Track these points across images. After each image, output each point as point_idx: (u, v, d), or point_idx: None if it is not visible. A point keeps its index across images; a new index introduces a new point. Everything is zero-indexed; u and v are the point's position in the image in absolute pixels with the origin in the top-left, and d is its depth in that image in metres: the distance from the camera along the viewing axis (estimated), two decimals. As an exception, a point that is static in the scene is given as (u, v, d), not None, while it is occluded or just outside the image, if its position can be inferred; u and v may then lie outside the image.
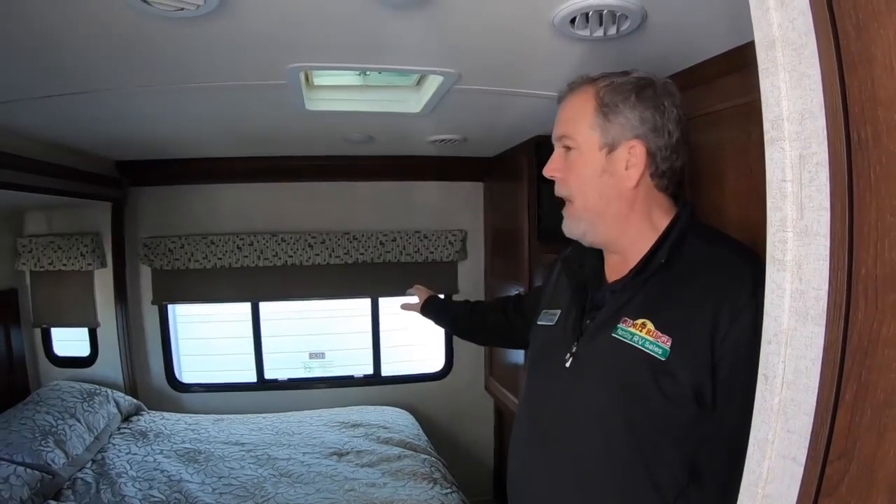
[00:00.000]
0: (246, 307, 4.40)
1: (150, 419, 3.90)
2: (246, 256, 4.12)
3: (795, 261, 0.69)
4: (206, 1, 1.35)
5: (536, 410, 1.41)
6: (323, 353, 4.77)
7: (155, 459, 3.32)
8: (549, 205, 3.22)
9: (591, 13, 1.45)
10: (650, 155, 1.29)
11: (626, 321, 1.24)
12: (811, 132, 0.66)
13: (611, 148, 1.28)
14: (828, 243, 0.65)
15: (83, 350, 4.27)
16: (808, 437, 0.68)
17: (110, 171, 3.92)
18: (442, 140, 3.37)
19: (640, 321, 1.22)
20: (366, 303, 4.51)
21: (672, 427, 1.18)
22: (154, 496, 2.92)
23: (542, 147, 3.15)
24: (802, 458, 0.69)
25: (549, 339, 1.45)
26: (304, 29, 1.58)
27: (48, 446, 3.10)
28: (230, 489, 3.01)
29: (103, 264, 4.09)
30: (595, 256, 1.45)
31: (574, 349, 1.32)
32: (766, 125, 0.71)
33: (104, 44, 1.65)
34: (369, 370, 4.57)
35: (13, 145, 2.70)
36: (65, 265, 3.98)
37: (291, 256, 4.14)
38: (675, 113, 1.30)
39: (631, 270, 1.31)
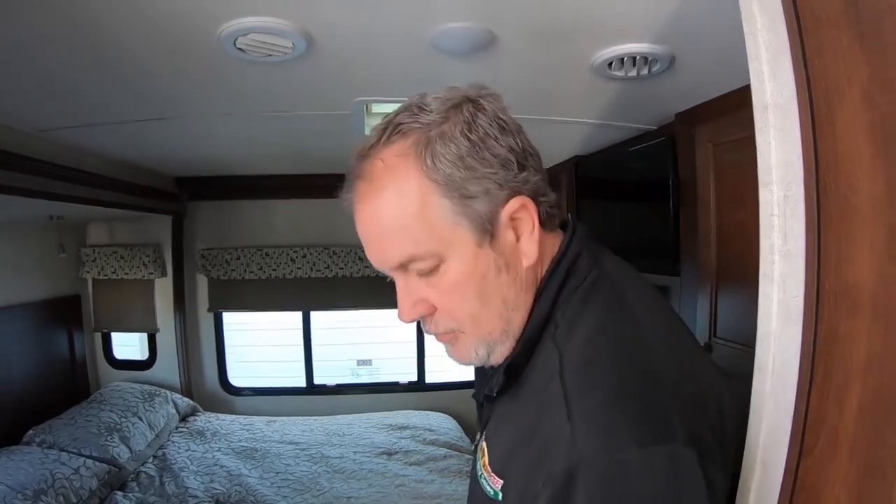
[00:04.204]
0: (297, 316, 4.60)
1: (206, 419, 4.12)
2: (299, 268, 4.33)
3: (781, 277, 0.89)
4: (295, 48, 1.56)
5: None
6: (370, 361, 4.98)
7: (214, 456, 3.52)
8: (589, 223, 3.36)
9: (624, 58, 1.64)
10: (535, 202, 0.85)
11: (483, 435, 0.93)
12: (792, 177, 0.86)
13: (490, 230, 0.82)
14: (804, 263, 0.85)
15: (137, 354, 4.54)
16: (792, 412, 0.88)
17: (170, 187, 4.16)
18: None
19: (483, 446, 0.90)
20: (412, 313, 4.68)
21: None
22: (216, 489, 3.12)
23: (580, 166, 3.33)
24: (788, 429, 0.89)
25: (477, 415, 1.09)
26: (373, 70, 1.78)
27: (114, 441, 3.33)
28: (287, 483, 3.21)
29: (163, 274, 4.34)
30: None
31: (482, 438, 0.96)
32: (760, 171, 0.91)
33: (194, 78, 1.86)
34: (414, 377, 4.74)
35: (86, 163, 2.92)
36: (127, 274, 4.24)
37: (342, 268, 4.35)
38: (514, 122, 0.87)
39: (494, 377, 0.91)
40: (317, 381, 4.66)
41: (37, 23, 1.36)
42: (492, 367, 0.92)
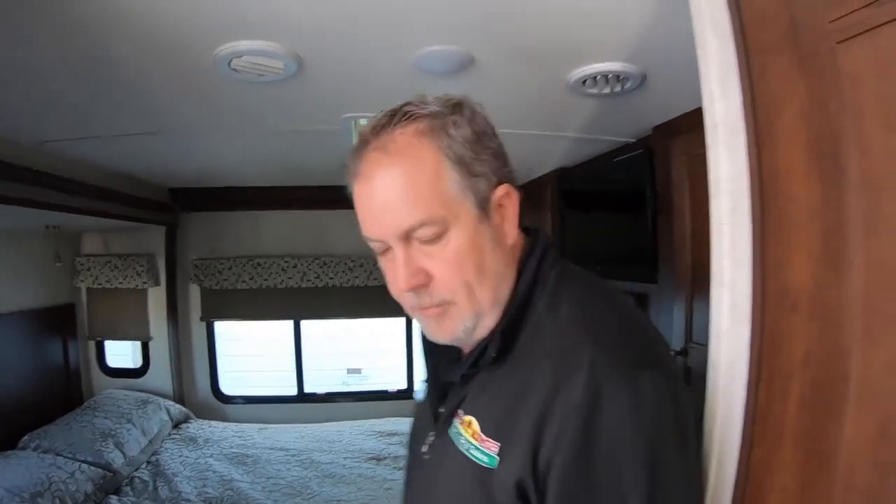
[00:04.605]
0: (288, 325, 4.68)
1: (199, 426, 4.19)
2: (290, 278, 4.41)
3: (731, 281, 0.97)
4: (286, 69, 1.65)
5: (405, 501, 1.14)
6: (360, 369, 5.06)
7: (206, 462, 3.59)
8: (572, 233, 3.49)
9: (597, 76, 1.73)
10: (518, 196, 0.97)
11: (458, 415, 0.97)
12: (739, 190, 0.94)
13: (485, 209, 0.92)
14: (750, 269, 0.93)
15: (129, 362, 4.62)
16: (742, 406, 0.96)
17: (164, 198, 4.24)
18: None
19: (467, 419, 0.94)
20: (401, 322, 4.74)
21: None
22: (209, 493, 3.19)
23: (564, 178, 3.43)
24: (739, 422, 0.97)
25: (418, 419, 1.17)
26: (360, 89, 1.87)
27: (108, 447, 3.39)
28: (278, 488, 3.28)
29: (157, 283, 4.42)
30: None
31: (430, 439, 1.04)
32: (711, 184, 0.99)
33: (191, 95, 1.96)
34: (403, 385, 4.81)
35: (84, 174, 2.99)
36: (121, 283, 4.31)
37: (332, 278, 4.42)
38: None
39: (471, 355, 0.98)
40: (307, 389, 4.73)
41: (44, 43, 1.45)
42: (452, 354, 1.03)
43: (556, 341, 0.88)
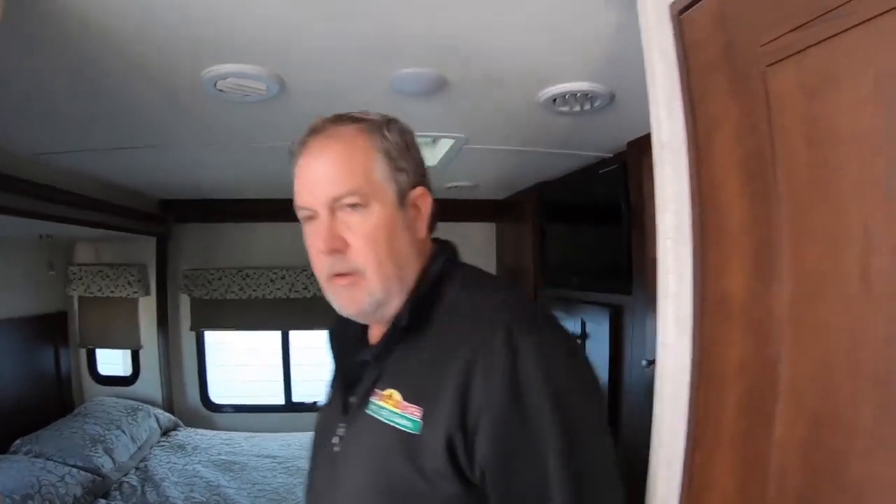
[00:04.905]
0: (276, 335, 4.75)
1: (187, 434, 4.24)
2: (278, 289, 4.48)
3: (675, 294, 1.03)
4: (269, 90, 1.75)
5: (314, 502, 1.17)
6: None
7: (194, 468, 3.65)
8: (553, 246, 3.57)
9: (566, 95, 1.81)
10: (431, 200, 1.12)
11: (376, 393, 1.03)
12: (682, 207, 1.01)
13: (402, 200, 1.07)
14: (691, 280, 1.00)
15: (120, 371, 4.68)
16: (686, 411, 1.02)
17: (155, 209, 4.32)
18: (456, 186, 3.71)
19: (387, 392, 1.02)
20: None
21: None
22: (195, 498, 3.25)
23: (545, 192, 3.52)
24: (684, 426, 1.03)
25: (323, 420, 1.23)
26: (340, 108, 1.92)
27: (97, 452, 3.44)
28: (264, 494, 3.33)
29: (147, 293, 4.47)
30: (358, 325, 1.20)
31: (341, 431, 1.10)
32: (657, 201, 1.06)
33: (180, 112, 2.05)
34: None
35: (74, 185, 3.04)
36: (112, 292, 4.37)
37: (319, 290, 4.41)
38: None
39: (383, 336, 1.08)
40: (295, 398, 4.78)
41: (39, 57, 1.52)
42: (359, 347, 1.14)
43: (474, 313, 1.01)
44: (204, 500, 3.25)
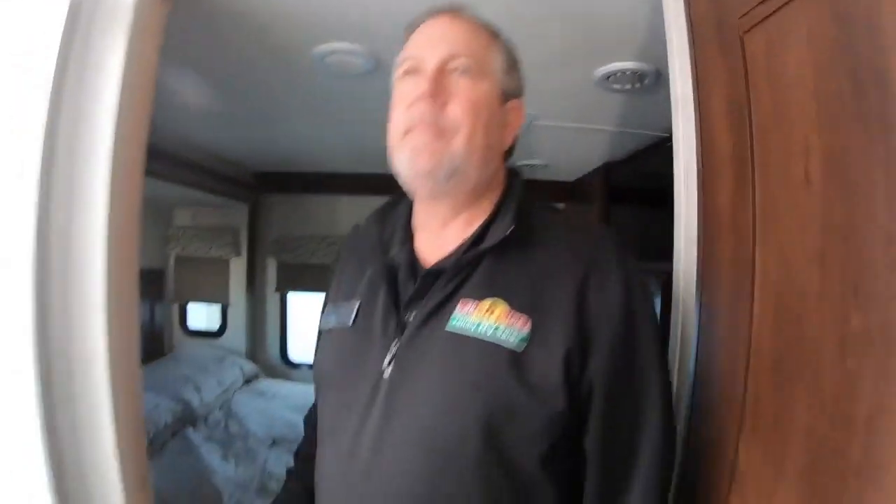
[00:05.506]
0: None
1: (268, 384, 4.58)
2: (359, 257, 4.76)
3: (686, 214, 1.31)
4: (366, 64, 2.03)
5: (347, 440, 1.01)
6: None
7: (274, 410, 3.98)
8: (618, 227, 3.66)
9: (618, 73, 2.01)
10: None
11: (465, 305, 0.96)
12: (689, 146, 1.30)
13: (505, 99, 1.06)
14: (696, 200, 1.28)
15: (203, 326, 5.13)
16: (696, 306, 1.25)
17: (249, 179, 4.68)
18: (529, 164, 3.88)
19: (487, 302, 0.95)
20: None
21: (540, 426, 0.93)
22: (275, 433, 3.60)
23: (611, 172, 3.67)
24: (695, 320, 1.26)
25: (350, 343, 1.09)
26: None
27: (187, 388, 3.82)
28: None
29: (238, 254, 4.87)
30: (402, 231, 1.15)
31: (394, 351, 0.99)
32: (675, 145, 1.34)
33: (288, 87, 2.38)
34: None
35: (189, 155, 3.48)
36: (206, 253, 4.80)
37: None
38: None
39: (466, 241, 1.03)
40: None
41: (178, 28, 1.79)
42: (407, 254, 1.10)
43: (575, 233, 1.05)
44: (282, 434, 3.57)
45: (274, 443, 3.51)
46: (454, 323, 0.96)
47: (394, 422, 0.95)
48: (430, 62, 1.00)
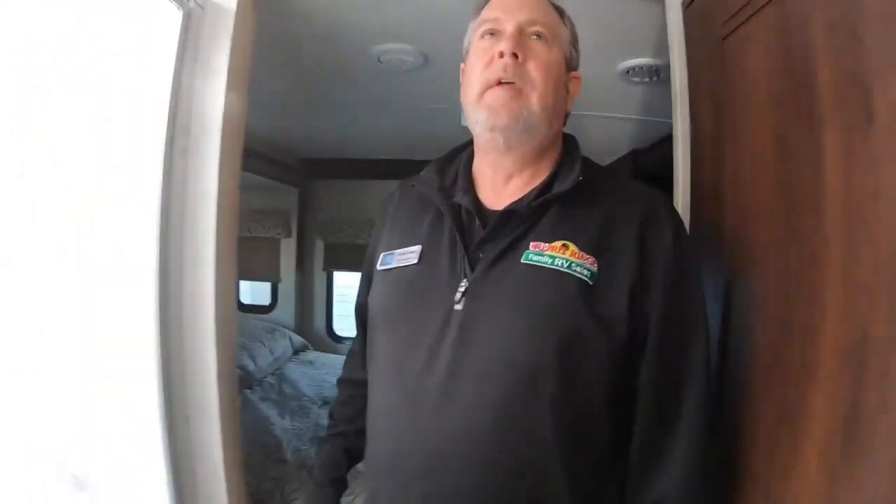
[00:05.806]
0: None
1: (316, 355, 4.87)
2: (401, 239, 5.00)
3: (683, 181, 1.58)
4: (415, 61, 2.28)
5: (413, 375, 1.04)
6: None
7: (323, 376, 4.24)
8: None
9: (636, 68, 2.21)
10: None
11: (537, 245, 1.04)
12: (684, 126, 1.58)
13: (568, 67, 1.16)
14: (688, 172, 1.56)
15: (249, 300, 5.42)
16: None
17: (298, 164, 4.93)
18: None
19: (558, 243, 1.03)
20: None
21: (604, 356, 1.01)
22: (325, 395, 3.83)
23: (638, 157, 3.79)
24: None
25: (415, 281, 1.14)
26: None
27: (243, 356, 4.02)
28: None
29: (288, 235, 5.16)
30: (464, 181, 1.20)
31: (464, 286, 1.05)
32: (674, 123, 1.62)
33: (347, 81, 2.62)
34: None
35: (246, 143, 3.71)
36: (259, 233, 5.09)
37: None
38: None
39: (536, 188, 1.11)
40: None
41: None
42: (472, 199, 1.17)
43: (630, 188, 1.17)
44: (331, 396, 3.56)
45: (324, 403, 3.75)
46: (530, 256, 1.04)
47: (469, 352, 1.01)
48: (510, 25, 1.08)
